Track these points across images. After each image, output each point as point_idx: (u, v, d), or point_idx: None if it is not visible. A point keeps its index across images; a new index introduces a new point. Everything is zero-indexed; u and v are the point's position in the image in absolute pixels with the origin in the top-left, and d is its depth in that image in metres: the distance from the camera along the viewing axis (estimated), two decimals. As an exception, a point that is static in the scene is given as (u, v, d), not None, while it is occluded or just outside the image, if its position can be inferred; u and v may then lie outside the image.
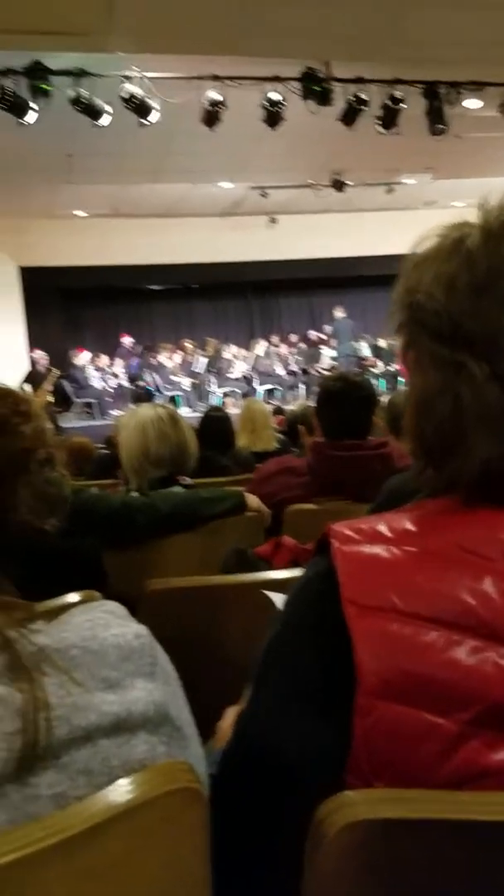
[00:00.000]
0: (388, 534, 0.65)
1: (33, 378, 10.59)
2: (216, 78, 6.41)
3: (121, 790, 0.56)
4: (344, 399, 2.33)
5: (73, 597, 1.24)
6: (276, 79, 6.49)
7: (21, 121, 6.26)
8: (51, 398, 10.32)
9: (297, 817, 0.58)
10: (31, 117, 6.28)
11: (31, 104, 6.20)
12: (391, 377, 13.23)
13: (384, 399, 3.33)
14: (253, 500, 2.25)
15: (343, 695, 0.59)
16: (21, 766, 0.54)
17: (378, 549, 0.64)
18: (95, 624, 0.63)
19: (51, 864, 0.52)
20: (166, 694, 0.63)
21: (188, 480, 2.27)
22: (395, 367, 13.56)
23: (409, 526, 0.66)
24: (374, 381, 2.87)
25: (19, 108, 6.17)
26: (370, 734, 0.58)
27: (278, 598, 1.19)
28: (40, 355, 11.68)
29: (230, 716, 1.01)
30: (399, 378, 13.04)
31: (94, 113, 6.44)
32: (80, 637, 0.61)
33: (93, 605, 0.68)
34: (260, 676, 0.68)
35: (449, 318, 0.66)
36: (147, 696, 0.61)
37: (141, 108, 6.39)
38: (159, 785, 0.56)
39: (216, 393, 12.88)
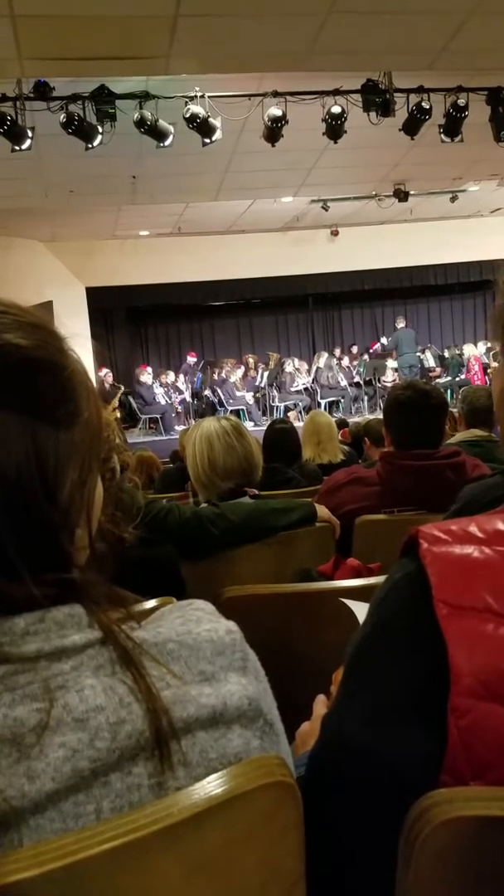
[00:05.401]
0: (480, 534, 0.65)
1: (100, 395, 10.81)
2: (277, 94, 6.47)
3: (217, 781, 0.57)
4: (414, 408, 2.31)
5: (151, 603, 1.27)
6: (337, 92, 6.50)
7: (89, 145, 6.42)
8: (117, 414, 10.51)
9: (393, 818, 0.58)
10: (97, 142, 6.42)
11: (99, 128, 6.35)
12: (458, 388, 12.98)
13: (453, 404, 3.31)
14: (323, 510, 2.25)
15: (437, 696, 0.59)
16: (124, 755, 0.56)
17: (469, 550, 0.64)
18: (188, 620, 0.65)
19: (152, 851, 0.54)
20: (258, 689, 0.64)
21: (256, 492, 2.28)
22: (461, 377, 13.30)
23: (502, 526, 0.66)
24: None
25: (87, 134, 6.32)
26: (468, 735, 0.58)
27: (357, 607, 1.19)
28: (106, 373, 11.94)
29: (310, 725, 1.01)
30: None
31: (158, 134, 6.53)
32: (176, 632, 0.63)
33: (182, 604, 0.70)
34: (350, 679, 0.68)
35: None
36: (241, 690, 0.62)
37: (204, 128, 6.47)
38: (255, 778, 0.57)
39: (278, 406, 12.91)
